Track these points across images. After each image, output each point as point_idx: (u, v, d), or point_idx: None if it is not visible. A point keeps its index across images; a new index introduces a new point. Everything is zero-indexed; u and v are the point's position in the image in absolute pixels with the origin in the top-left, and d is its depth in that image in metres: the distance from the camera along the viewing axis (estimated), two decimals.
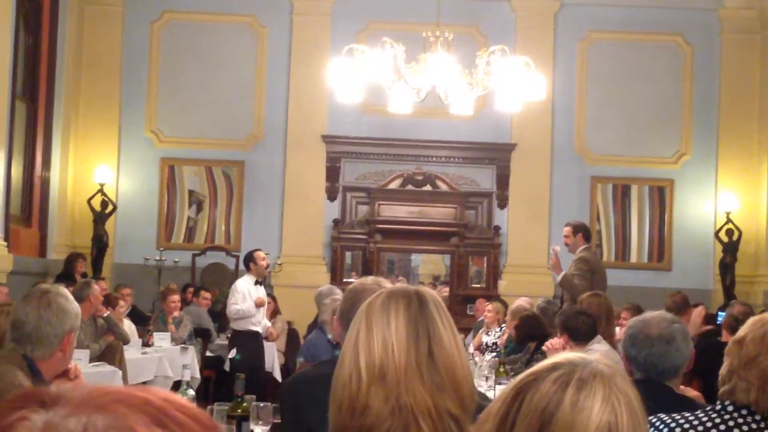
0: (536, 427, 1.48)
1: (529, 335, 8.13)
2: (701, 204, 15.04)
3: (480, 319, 11.65)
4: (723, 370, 2.82)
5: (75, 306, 3.75)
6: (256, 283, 11.12)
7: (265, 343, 11.20)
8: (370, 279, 3.83)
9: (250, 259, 11.25)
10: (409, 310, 2.14)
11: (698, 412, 2.83)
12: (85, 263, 13.39)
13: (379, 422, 2.04)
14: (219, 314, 13.34)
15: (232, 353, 10.81)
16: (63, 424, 0.70)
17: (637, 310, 8.15)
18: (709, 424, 2.77)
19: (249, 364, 10.36)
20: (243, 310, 10.81)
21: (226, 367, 11.05)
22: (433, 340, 2.12)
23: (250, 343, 10.87)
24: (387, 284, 3.74)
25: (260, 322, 11.04)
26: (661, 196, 15.11)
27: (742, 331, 2.87)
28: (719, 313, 10.99)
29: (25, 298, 3.76)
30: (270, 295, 13.03)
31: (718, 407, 2.79)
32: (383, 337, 2.10)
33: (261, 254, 11.25)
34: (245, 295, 10.89)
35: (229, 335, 11.33)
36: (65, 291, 3.83)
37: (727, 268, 14.37)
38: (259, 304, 10.92)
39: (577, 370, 1.53)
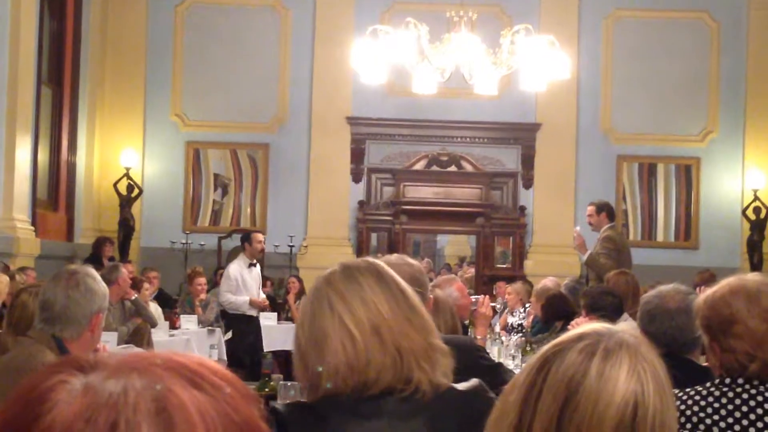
0: (563, 397, 1.48)
1: (555, 315, 8.11)
2: (728, 182, 14.96)
3: (504, 300, 11.63)
4: (733, 352, 2.77)
5: (103, 287, 3.77)
6: (250, 265, 11.14)
7: (288, 324, 11.22)
8: (394, 256, 3.86)
9: (246, 239, 11.30)
10: (373, 273, 2.27)
11: (709, 385, 2.81)
12: (113, 247, 13.46)
13: (383, 374, 2.15)
14: None
15: (228, 335, 10.85)
16: (102, 386, 0.71)
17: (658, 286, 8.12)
18: (725, 400, 2.76)
19: (248, 347, 10.40)
20: (236, 304, 10.93)
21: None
22: (404, 291, 2.26)
23: (244, 327, 10.88)
24: (411, 261, 3.77)
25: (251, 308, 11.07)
26: (687, 174, 15.05)
27: (734, 304, 2.81)
28: None
29: (54, 278, 3.78)
30: (296, 276, 13.11)
31: (728, 381, 2.78)
32: (361, 298, 2.21)
33: (259, 236, 11.29)
34: (238, 281, 10.94)
35: (224, 319, 11.26)
36: (93, 272, 3.84)
37: (754, 245, 14.32)
38: (258, 307, 10.98)
39: (603, 340, 1.53)
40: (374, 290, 2.24)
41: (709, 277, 9.59)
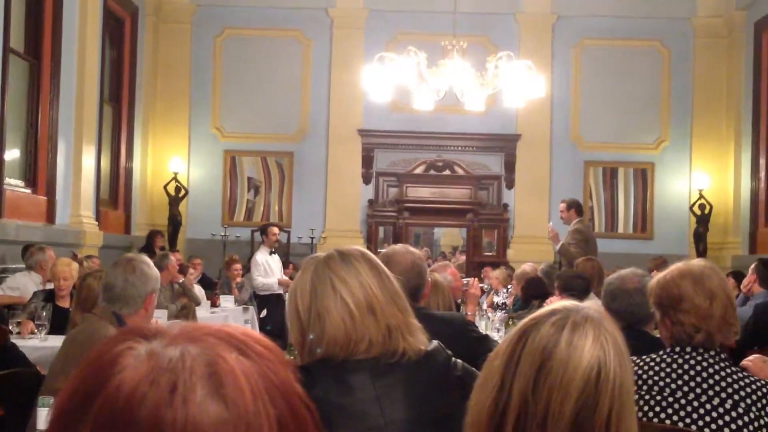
0: (538, 363, 1.49)
1: (533, 294, 8.09)
2: (678, 183, 14.94)
3: (489, 282, 11.62)
4: (682, 325, 2.76)
5: (155, 271, 3.78)
6: (271, 253, 11.15)
7: None
8: (399, 246, 3.89)
9: (263, 232, 11.29)
10: (366, 260, 2.33)
11: (662, 353, 2.81)
12: (163, 239, 13.48)
13: (373, 346, 2.22)
14: None
15: (263, 313, 10.84)
16: (163, 353, 0.72)
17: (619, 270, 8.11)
18: (674, 365, 2.75)
19: (277, 321, 10.40)
20: (268, 284, 10.94)
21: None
22: (389, 276, 2.34)
23: (273, 304, 10.86)
24: (413, 250, 3.77)
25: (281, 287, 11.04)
26: (643, 176, 15.02)
27: (682, 284, 2.80)
28: None
29: (115, 265, 3.79)
30: None
31: (678, 349, 2.78)
32: (359, 281, 2.26)
33: (274, 230, 11.28)
34: (265, 267, 10.96)
35: (257, 300, 11.16)
36: (147, 259, 3.86)
37: (700, 237, 14.31)
38: (285, 285, 10.99)
39: (571, 315, 1.54)
40: (368, 274, 2.28)
41: (661, 262, 9.58)
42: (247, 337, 0.76)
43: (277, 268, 11.19)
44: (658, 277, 2.90)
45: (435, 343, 2.39)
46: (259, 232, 11.82)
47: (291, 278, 12.45)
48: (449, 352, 2.42)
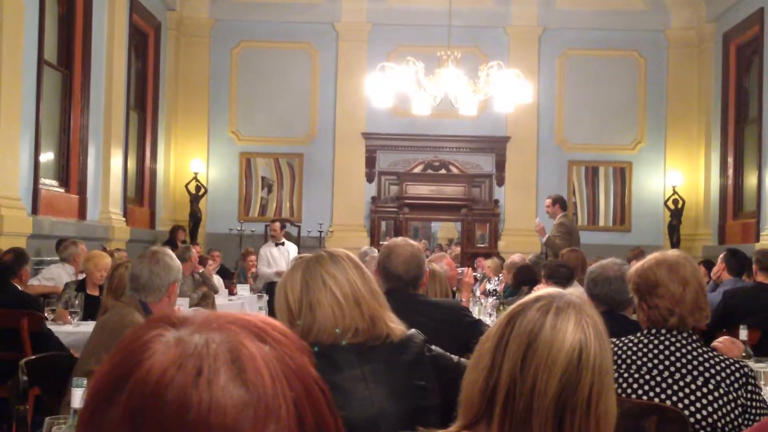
0: (525, 344, 1.49)
1: (523, 281, 8.09)
2: (653, 180, 14.92)
3: (482, 271, 11.62)
4: (659, 309, 2.77)
5: (177, 263, 3.78)
6: (277, 244, 11.16)
7: None
8: (399, 239, 3.91)
9: (269, 228, 11.38)
10: (349, 260, 2.48)
11: (639, 335, 2.81)
12: (185, 233, 13.48)
13: (361, 333, 2.35)
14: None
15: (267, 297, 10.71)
16: (190, 340, 0.72)
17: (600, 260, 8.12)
18: (651, 345, 2.76)
19: None
20: (266, 274, 11.02)
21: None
22: (369, 275, 2.48)
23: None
24: (413, 242, 3.78)
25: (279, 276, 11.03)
26: (622, 174, 15.01)
27: (658, 273, 2.79)
28: None
29: (140, 257, 3.79)
30: None
31: (654, 331, 2.78)
32: (346, 277, 2.40)
33: (276, 226, 11.36)
34: (268, 258, 11.00)
35: (262, 286, 11.15)
36: (170, 251, 3.86)
37: (673, 229, 14.29)
38: (280, 274, 10.96)
39: (555, 300, 1.54)
40: (353, 272, 2.44)
41: (638, 252, 9.56)
42: (266, 324, 0.76)
43: (283, 259, 11.14)
44: (636, 265, 2.90)
45: (413, 330, 2.52)
46: (265, 229, 11.90)
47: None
48: (424, 336, 2.54)
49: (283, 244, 11.26)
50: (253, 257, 11.60)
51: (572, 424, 1.45)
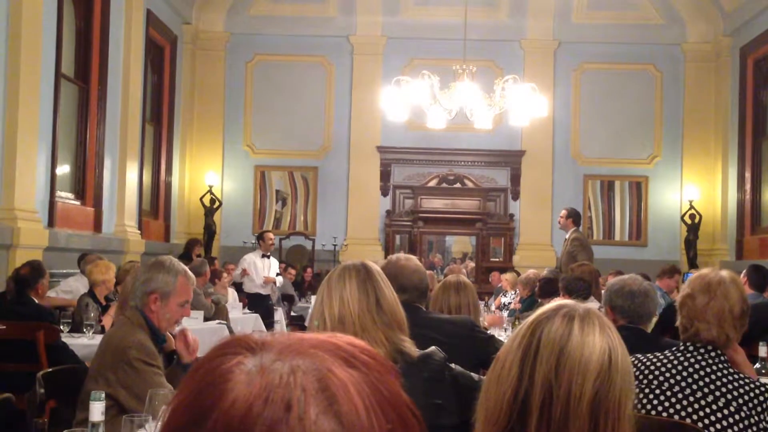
0: (557, 351, 1.53)
1: (548, 293, 8.13)
2: (670, 195, 14.86)
3: (498, 285, 11.58)
4: (682, 321, 2.81)
5: (167, 276, 3.50)
6: (263, 256, 11.10)
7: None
8: (395, 255, 4.01)
9: (260, 237, 11.34)
10: (359, 276, 2.44)
11: (666, 352, 2.80)
12: (201, 247, 13.49)
13: (380, 349, 2.33)
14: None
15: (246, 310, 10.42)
16: (273, 367, 0.65)
17: (618, 274, 8.11)
18: (676, 362, 2.75)
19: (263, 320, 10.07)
20: (257, 286, 10.93)
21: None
22: (379, 293, 2.42)
23: (258, 303, 10.59)
24: (413, 258, 3.84)
25: (266, 286, 10.95)
26: (638, 189, 14.95)
27: (687, 288, 2.84)
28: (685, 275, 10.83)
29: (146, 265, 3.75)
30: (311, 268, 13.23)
31: (682, 348, 2.77)
32: (340, 295, 2.39)
33: (269, 236, 11.32)
34: (251, 266, 10.93)
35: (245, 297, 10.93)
36: (166, 261, 3.57)
37: (690, 244, 14.21)
38: (267, 282, 10.92)
39: (576, 309, 1.60)
40: (352, 290, 2.43)
41: (670, 268, 9.47)
42: (353, 347, 0.69)
43: (266, 270, 11.13)
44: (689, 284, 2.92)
45: (433, 348, 2.52)
46: (256, 238, 11.86)
47: (302, 279, 12.60)
48: (444, 354, 2.53)
49: (269, 256, 11.26)
50: (231, 265, 11.49)
51: (606, 425, 1.49)
